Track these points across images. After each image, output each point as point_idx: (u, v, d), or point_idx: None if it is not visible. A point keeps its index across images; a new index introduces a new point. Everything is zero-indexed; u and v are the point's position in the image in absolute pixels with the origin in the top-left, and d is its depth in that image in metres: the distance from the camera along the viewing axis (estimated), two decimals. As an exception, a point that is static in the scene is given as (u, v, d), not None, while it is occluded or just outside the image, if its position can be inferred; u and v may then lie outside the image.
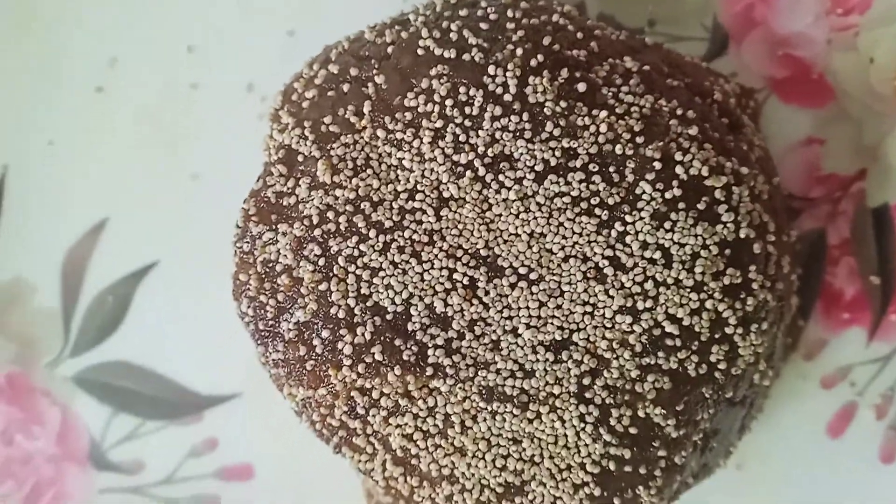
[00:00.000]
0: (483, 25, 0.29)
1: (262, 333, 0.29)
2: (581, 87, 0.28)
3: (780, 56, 0.37)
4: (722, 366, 0.27)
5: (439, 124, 0.28)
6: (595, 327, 0.27)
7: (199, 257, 0.39)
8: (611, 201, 0.27)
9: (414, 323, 0.27)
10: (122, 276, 0.40)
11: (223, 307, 0.35)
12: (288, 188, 0.29)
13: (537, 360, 0.27)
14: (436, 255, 0.27)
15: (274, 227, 0.28)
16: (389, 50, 0.29)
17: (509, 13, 0.29)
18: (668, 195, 0.27)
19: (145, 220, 0.39)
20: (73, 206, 0.40)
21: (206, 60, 0.39)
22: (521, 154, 0.27)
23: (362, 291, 0.27)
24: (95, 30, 0.40)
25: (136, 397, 0.40)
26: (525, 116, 0.27)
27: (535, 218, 0.27)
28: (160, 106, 0.39)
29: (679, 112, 0.28)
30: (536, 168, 0.27)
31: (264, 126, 0.37)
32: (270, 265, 0.28)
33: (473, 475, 0.28)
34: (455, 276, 0.27)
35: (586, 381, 0.27)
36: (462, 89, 0.28)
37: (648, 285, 0.27)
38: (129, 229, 0.40)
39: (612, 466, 0.27)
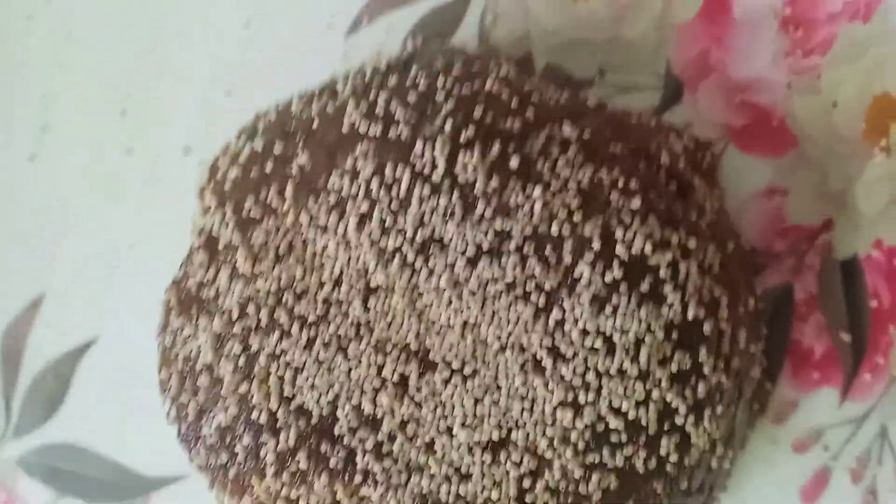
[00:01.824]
0: (411, 97, 0.27)
1: (185, 436, 0.27)
2: (514, 162, 0.26)
3: (737, 103, 0.35)
4: (673, 458, 0.26)
5: (365, 207, 0.26)
6: (535, 424, 0.25)
7: (137, 332, 0.37)
8: (547, 286, 0.25)
9: (341, 426, 0.25)
10: (61, 354, 0.38)
11: (166, 383, 0.34)
12: (208, 278, 0.27)
13: (474, 463, 0.25)
14: (363, 351, 0.26)
15: (194, 320, 0.27)
16: (315, 125, 0.28)
17: (440, 81, 0.27)
18: (607, 277, 0.25)
19: (83, 295, 0.38)
20: (9, 282, 0.38)
21: (140, 124, 0.38)
22: (452, 237, 0.26)
23: (285, 393, 0.26)
24: (25, 96, 0.38)
25: (81, 480, 0.38)
26: (455, 196, 0.26)
27: (469, 306, 0.25)
28: (94, 172, 0.38)
29: (621, 183, 0.27)
30: (468, 252, 0.26)
31: (200, 191, 0.36)
32: (191, 363, 0.27)
33: (409, 586, 0.26)
34: (384, 372, 0.26)
35: (526, 484, 0.25)
36: (388, 169, 0.26)
37: (590, 376, 0.25)
38: (67, 304, 0.38)
39: (558, 572, 0.26)
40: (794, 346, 0.35)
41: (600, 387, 0.25)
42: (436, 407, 0.25)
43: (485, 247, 0.26)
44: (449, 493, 0.25)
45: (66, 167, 0.38)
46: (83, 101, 0.38)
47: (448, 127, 0.26)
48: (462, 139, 0.26)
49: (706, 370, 0.26)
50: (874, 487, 0.34)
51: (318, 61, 0.36)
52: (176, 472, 0.37)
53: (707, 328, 0.26)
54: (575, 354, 0.25)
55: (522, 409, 0.25)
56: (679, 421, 0.26)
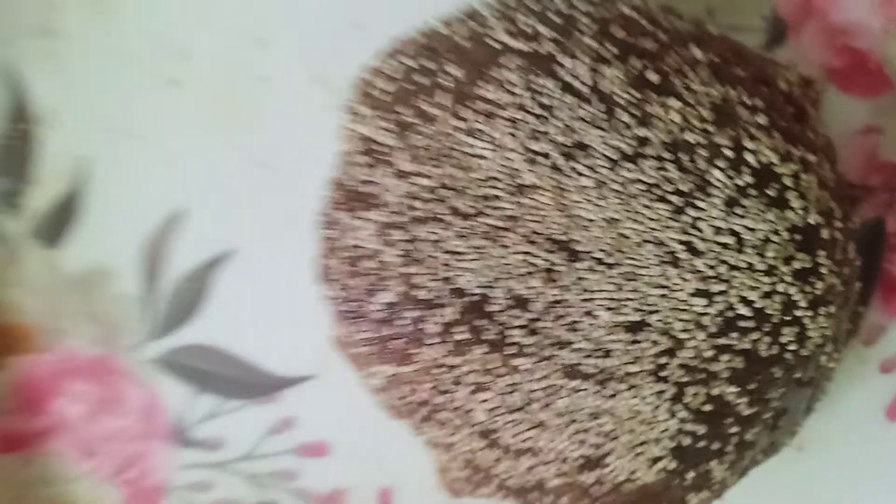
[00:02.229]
0: (555, 18, 0.30)
1: (350, 315, 0.30)
2: (653, 76, 0.29)
3: (837, 46, 0.37)
4: (792, 347, 0.28)
5: (515, 114, 0.29)
6: (671, 309, 0.28)
7: (273, 244, 0.40)
8: (684, 188, 0.28)
9: (495, 305, 0.28)
10: (201, 263, 0.41)
11: (298, 292, 0.37)
12: (371, 177, 0.30)
13: (615, 341, 0.28)
14: (515, 241, 0.28)
15: (359, 214, 0.30)
16: (464, 43, 0.30)
17: (580, 5, 0.30)
18: (739, 182, 0.28)
19: (222, 209, 0.41)
20: (153, 196, 0.41)
21: (274, 53, 0.40)
22: (596, 142, 0.28)
23: (445, 275, 0.29)
24: (168, 24, 0.41)
25: (217, 378, 0.42)
26: (599, 106, 0.28)
27: (611, 204, 0.28)
28: (232, 98, 0.41)
29: (748, 101, 0.29)
30: (611, 156, 0.28)
31: (332, 117, 0.39)
32: (356, 250, 0.30)
33: (553, 448, 0.29)
34: (534, 260, 0.28)
35: (662, 361, 0.28)
36: (537, 80, 0.29)
37: (722, 269, 0.28)
38: (207, 217, 0.41)
39: (686, 442, 0.29)
40: (886, 275, 0.37)
41: (731, 279, 0.28)
42: (581, 292, 0.28)
43: (626, 151, 0.28)
44: (593, 366, 0.28)
45: (205, 91, 0.41)
46: (222, 30, 0.40)
47: (592, 43, 0.29)
48: (605, 55, 0.29)
49: (824, 271, 0.29)
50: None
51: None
52: (304, 372, 0.41)
53: (825, 234, 0.29)
54: (708, 249, 0.28)
55: (660, 296, 0.28)
56: (799, 313, 0.28)
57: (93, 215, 0.42)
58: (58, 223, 0.42)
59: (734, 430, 0.29)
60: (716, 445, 0.29)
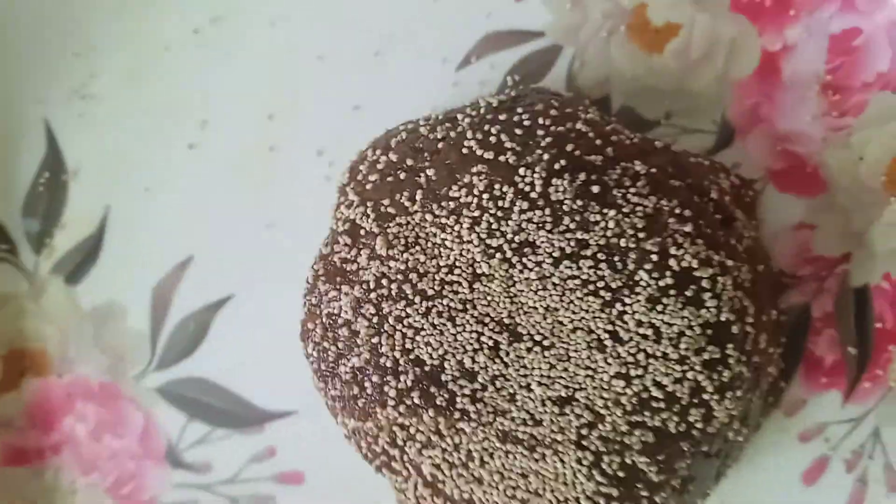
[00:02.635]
0: (517, 131, 0.34)
1: (324, 372, 0.35)
2: (595, 188, 0.33)
3: (779, 150, 0.41)
4: (699, 425, 0.33)
5: (476, 213, 0.33)
6: (594, 388, 0.33)
7: (268, 293, 0.45)
8: (614, 285, 0.33)
9: (446, 375, 0.33)
10: (202, 306, 0.46)
11: (286, 337, 0.41)
12: (351, 256, 0.35)
13: (545, 412, 0.33)
14: (468, 321, 0.33)
15: (338, 287, 0.35)
16: (440, 146, 0.35)
17: (540, 120, 0.35)
18: (661, 283, 0.32)
19: (225, 260, 0.45)
20: (164, 244, 0.46)
21: (283, 127, 0.45)
22: (542, 242, 0.33)
23: (406, 346, 0.33)
24: (191, 95, 0.46)
25: (209, 408, 0.46)
26: (547, 211, 0.33)
27: (551, 295, 0.33)
28: (242, 163, 0.45)
29: (678, 211, 0.34)
30: (554, 254, 0.33)
31: (330, 186, 0.43)
32: (333, 318, 0.35)
33: (488, 501, 0.34)
34: (482, 338, 0.33)
35: (584, 432, 0.32)
36: (497, 186, 0.33)
37: (640, 356, 0.32)
38: (211, 266, 0.45)
39: (601, 502, 0.33)
40: (809, 354, 0.40)
41: (647, 365, 0.32)
42: (519, 368, 0.33)
43: (567, 251, 0.33)
44: (524, 432, 0.33)
45: (219, 156, 0.45)
46: (238, 103, 0.45)
47: (546, 157, 0.34)
48: (556, 167, 0.34)
49: (731, 361, 0.33)
50: (865, 477, 0.40)
51: (433, 88, 0.43)
52: (287, 407, 0.45)
53: (735, 329, 0.33)
54: (630, 339, 0.32)
55: (586, 376, 0.32)
56: (706, 397, 0.33)
57: (110, 257, 0.46)
58: (79, 263, 0.47)
59: (644, 493, 0.33)
60: (627, 507, 0.33)
